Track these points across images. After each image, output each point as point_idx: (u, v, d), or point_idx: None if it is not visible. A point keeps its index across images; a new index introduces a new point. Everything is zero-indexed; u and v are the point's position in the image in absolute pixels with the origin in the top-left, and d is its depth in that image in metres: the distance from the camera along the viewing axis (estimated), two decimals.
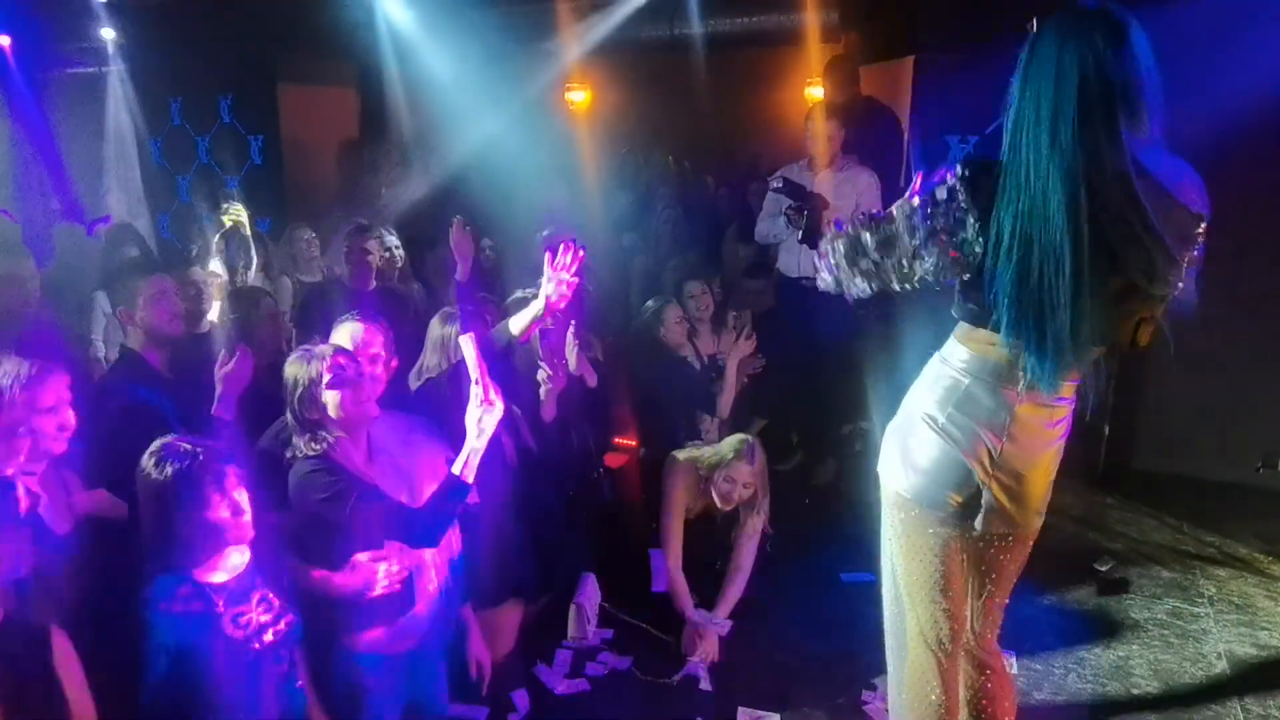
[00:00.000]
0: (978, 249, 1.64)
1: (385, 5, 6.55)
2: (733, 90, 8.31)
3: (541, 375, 3.12)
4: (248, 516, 1.92)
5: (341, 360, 2.25)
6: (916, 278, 1.72)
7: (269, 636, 1.96)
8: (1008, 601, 2.05)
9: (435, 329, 3.07)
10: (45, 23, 7.38)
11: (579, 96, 9.19)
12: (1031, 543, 1.98)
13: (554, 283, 2.65)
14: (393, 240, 5.00)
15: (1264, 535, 3.78)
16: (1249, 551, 3.70)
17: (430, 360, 3.06)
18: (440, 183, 6.82)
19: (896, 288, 1.76)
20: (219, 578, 1.93)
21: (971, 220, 1.63)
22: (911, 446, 1.87)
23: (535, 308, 2.68)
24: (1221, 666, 2.92)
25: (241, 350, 2.65)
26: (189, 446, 1.88)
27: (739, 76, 8.22)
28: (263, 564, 2.09)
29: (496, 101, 7.54)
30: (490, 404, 2.10)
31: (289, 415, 2.25)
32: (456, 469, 2.13)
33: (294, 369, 2.24)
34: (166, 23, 7.01)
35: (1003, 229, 1.61)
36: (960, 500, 1.84)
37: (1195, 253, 1.67)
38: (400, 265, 5.04)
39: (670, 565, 3.15)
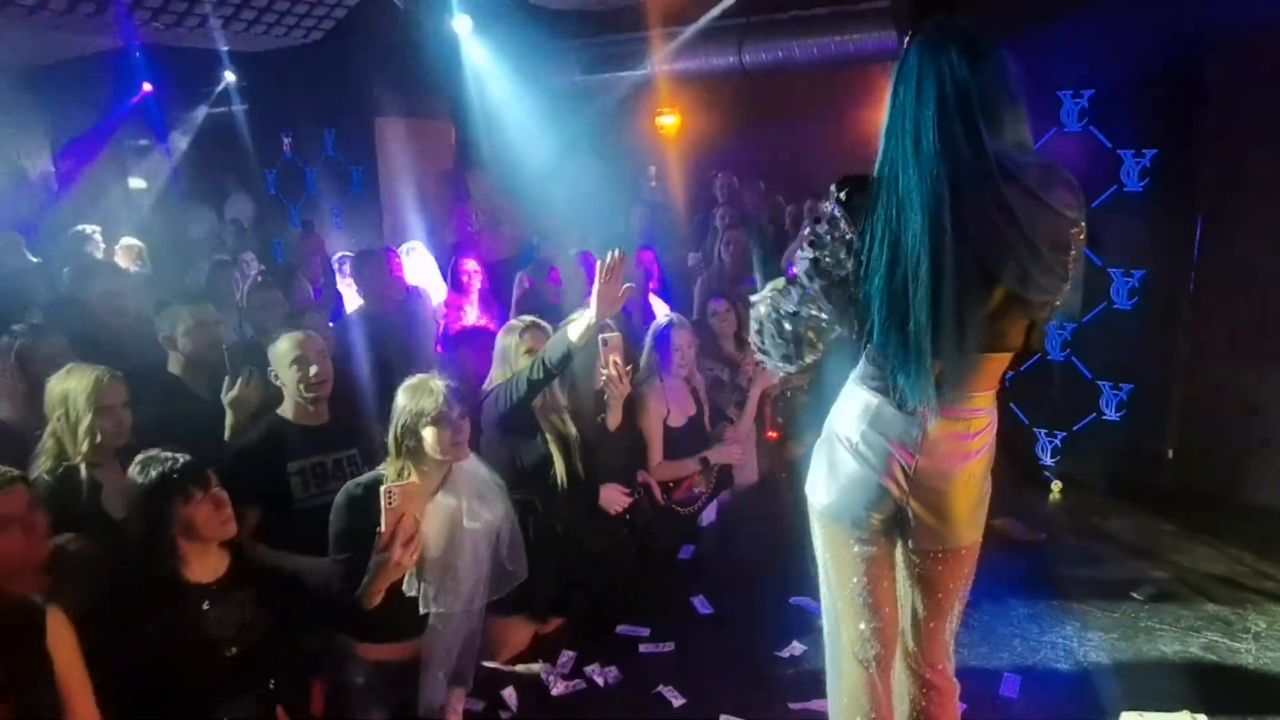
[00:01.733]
0: (862, 259, 1.67)
1: (467, 44, 6.98)
2: (817, 111, 8.32)
3: (604, 382, 3.26)
4: (228, 512, 2.16)
5: (452, 399, 2.45)
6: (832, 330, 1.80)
7: (250, 636, 2.20)
8: (954, 623, 2.00)
9: (501, 341, 3.29)
10: (181, 70, 8.24)
11: (669, 120, 9.47)
12: (971, 558, 1.96)
13: (601, 288, 2.78)
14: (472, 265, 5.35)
15: None
16: None
17: (495, 371, 3.28)
18: (526, 208, 7.21)
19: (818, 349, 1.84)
20: (202, 576, 2.17)
21: (854, 238, 1.68)
22: (830, 466, 1.89)
23: (588, 314, 2.82)
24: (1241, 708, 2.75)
25: None
26: (170, 454, 2.14)
27: (819, 98, 8.23)
28: (247, 567, 2.34)
29: (582, 129, 7.90)
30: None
31: (389, 438, 2.49)
32: None
33: (405, 396, 2.47)
34: (279, 64, 7.71)
35: (873, 236, 1.64)
36: (881, 518, 1.86)
37: (1074, 258, 1.65)
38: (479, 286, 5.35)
39: (656, 464, 3.69)
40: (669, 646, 3.09)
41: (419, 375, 2.51)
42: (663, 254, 6.45)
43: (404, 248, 5.91)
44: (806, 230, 1.81)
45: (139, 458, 2.19)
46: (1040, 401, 4.62)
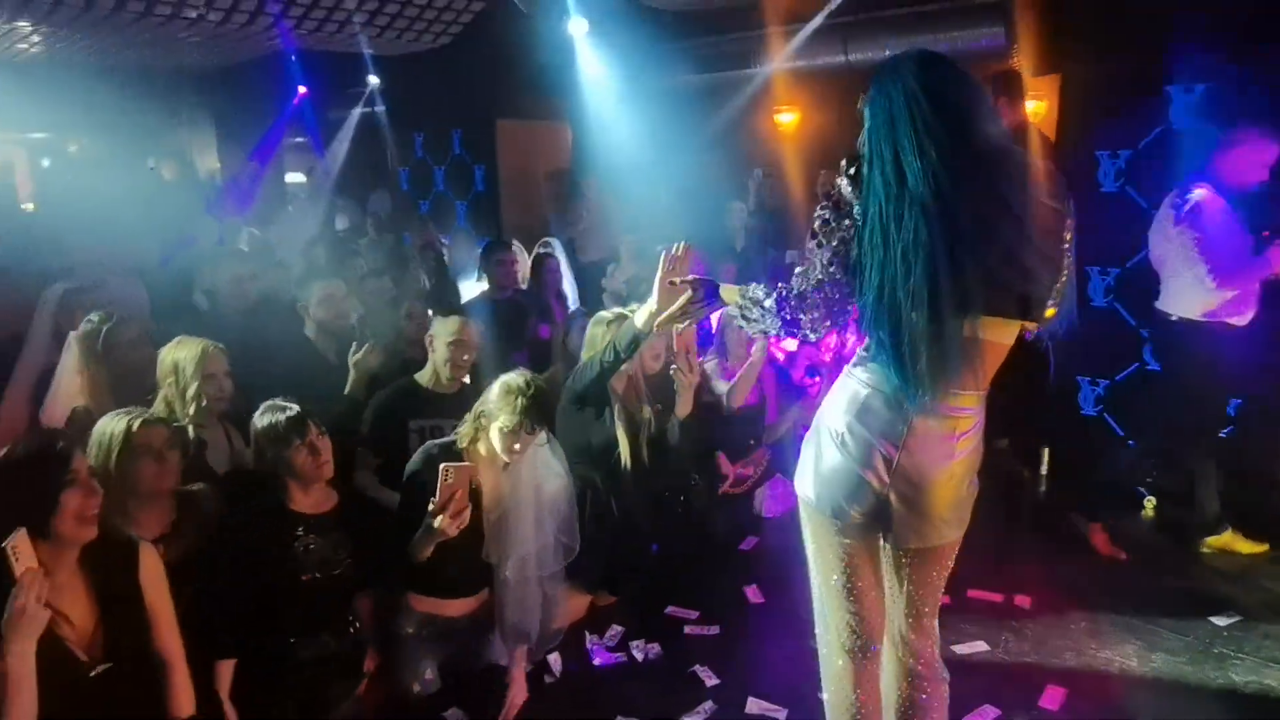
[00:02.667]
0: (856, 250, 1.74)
1: (582, 47, 7.25)
2: None
3: (675, 370, 3.45)
4: (326, 460, 2.51)
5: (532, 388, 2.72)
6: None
7: (329, 572, 2.52)
8: (934, 624, 2.04)
9: (590, 329, 3.55)
10: (330, 74, 8.99)
11: (788, 118, 9.44)
12: (948, 557, 1.99)
13: (663, 278, 2.80)
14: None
15: None
16: None
17: (583, 356, 3.55)
18: (634, 208, 7.44)
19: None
20: (301, 508, 2.53)
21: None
22: (816, 457, 1.94)
23: (650, 302, 2.86)
24: None
25: None
26: (284, 405, 2.52)
27: None
28: (355, 515, 2.67)
29: (693, 128, 8.04)
30: None
31: (471, 412, 2.80)
32: None
33: (497, 389, 2.76)
34: (413, 68, 8.28)
35: (865, 230, 1.71)
36: (862, 511, 1.89)
37: (1065, 249, 1.68)
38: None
39: None
40: (714, 630, 3.21)
41: (514, 375, 2.76)
42: (760, 252, 6.52)
43: (538, 245, 6.24)
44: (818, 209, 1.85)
45: (264, 405, 2.59)
46: (1137, 413, 4.40)
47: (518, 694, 2.74)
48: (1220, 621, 3.24)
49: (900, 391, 1.78)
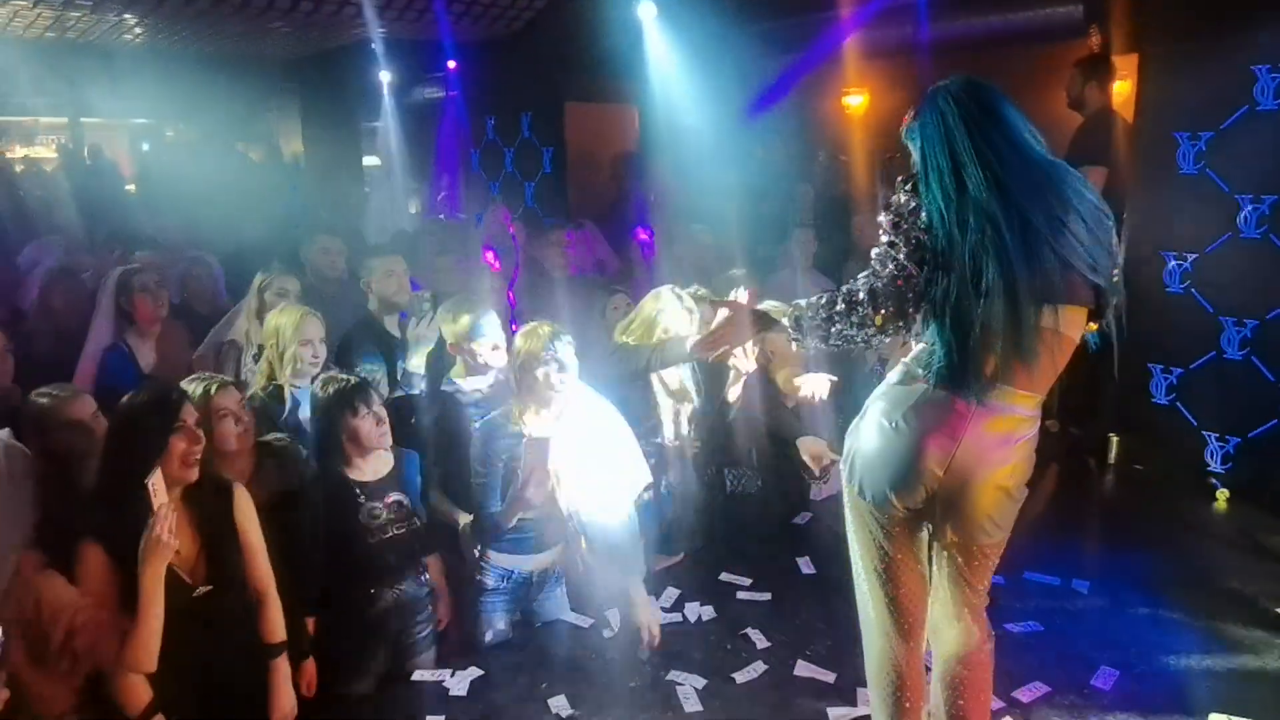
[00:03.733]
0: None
1: (650, 30, 7.33)
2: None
3: (733, 360, 3.38)
4: (386, 427, 2.65)
5: (557, 343, 2.78)
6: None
7: (395, 531, 2.69)
8: (983, 598, 2.08)
9: (648, 305, 3.42)
10: (408, 60, 9.27)
11: (856, 100, 9.35)
12: (991, 557, 2.02)
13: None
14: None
15: None
16: None
17: (635, 324, 3.45)
18: (697, 191, 7.50)
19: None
20: (362, 476, 2.69)
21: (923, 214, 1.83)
22: (865, 445, 1.96)
23: (696, 340, 2.81)
24: None
25: None
26: (345, 376, 2.69)
27: (1008, 74, 7.83)
28: (408, 474, 2.82)
29: (765, 110, 8.05)
30: None
31: (512, 377, 2.88)
32: None
33: (521, 340, 2.85)
34: (487, 53, 8.49)
35: (932, 234, 1.80)
36: (906, 502, 1.93)
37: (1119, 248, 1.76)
38: None
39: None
40: (766, 596, 3.30)
41: (532, 323, 2.86)
42: (824, 234, 6.52)
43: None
44: (882, 219, 1.92)
45: (322, 376, 2.77)
46: (1213, 403, 4.29)
47: (645, 617, 2.85)
48: None
49: (962, 388, 1.82)
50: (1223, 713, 2.43)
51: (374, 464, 2.77)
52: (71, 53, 8.79)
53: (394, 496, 2.78)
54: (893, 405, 1.92)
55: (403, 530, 2.77)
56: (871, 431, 1.95)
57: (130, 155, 12.54)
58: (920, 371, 1.89)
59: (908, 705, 2.10)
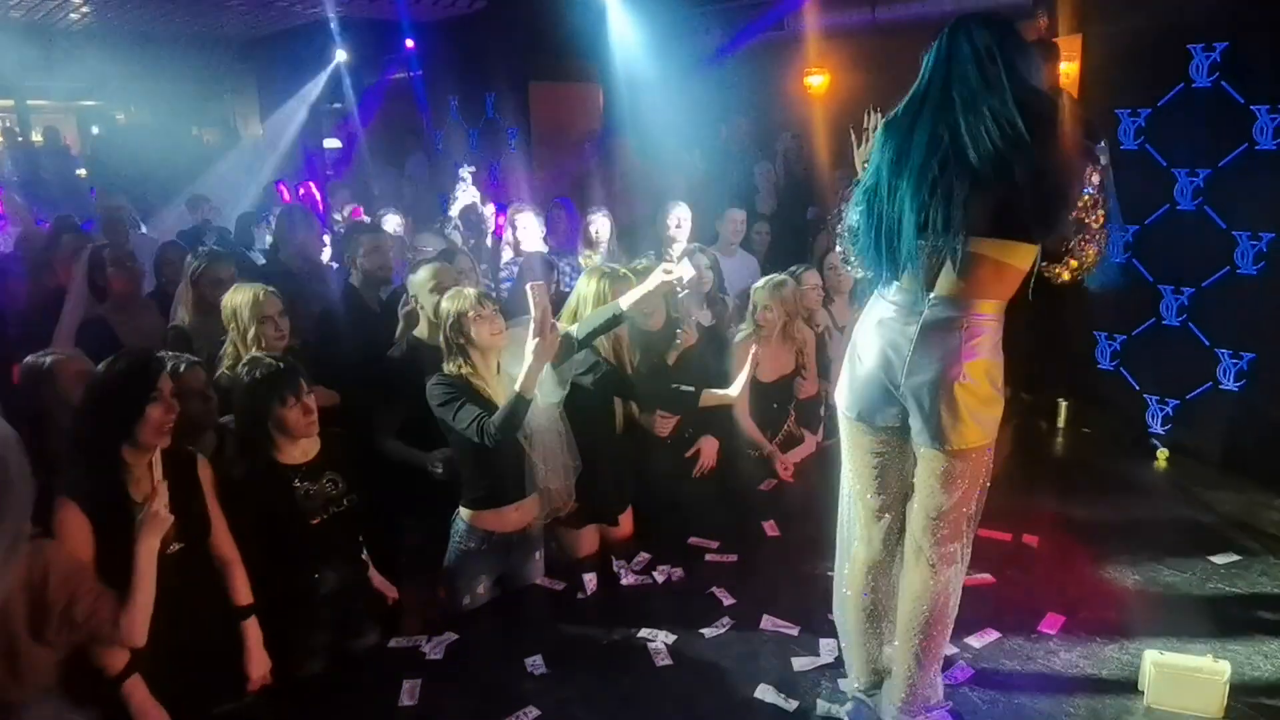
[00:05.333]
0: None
1: (613, 8, 7.37)
2: None
3: (679, 332, 3.52)
4: (314, 416, 2.54)
5: (482, 300, 2.86)
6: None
7: (333, 510, 2.62)
8: (968, 513, 2.20)
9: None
10: (367, 39, 9.18)
11: (817, 80, 9.47)
12: (974, 463, 2.13)
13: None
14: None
15: None
16: None
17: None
18: (665, 168, 7.55)
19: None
20: (292, 459, 2.59)
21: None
22: (850, 369, 2.21)
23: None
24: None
25: None
26: (273, 360, 2.55)
27: None
28: (337, 453, 2.71)
29: (724, 90, 8.12)
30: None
31: (442, 339, 2.91)
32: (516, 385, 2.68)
33: (449, 303, 2.91)
34: (447, 33, 8.45)
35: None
36: (885, 416, 2.15)
37: (1099, 197, 1.91)
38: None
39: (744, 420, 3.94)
40: (732, 557, 3.42)
41: (455, 288, 2.92)
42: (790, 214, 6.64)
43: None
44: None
45: (247, 358, 2.67)
46: (1153, 368, 4.51)
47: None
48: (1219, 560, 3.38)
49: (908, 301, 2.04)
50: (1156, 649, 2.60)
51: (303, 445, 2.63)
52: (16, 31, 8.57)
53: (329, 476, 2.68)
54: (862, 329, 2.18)
55: (341, 509, 2.68)
56: (852, 356, 2.21)
57: (79, 138, 12.25)
58: (883, 294, 2.14)
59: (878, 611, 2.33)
